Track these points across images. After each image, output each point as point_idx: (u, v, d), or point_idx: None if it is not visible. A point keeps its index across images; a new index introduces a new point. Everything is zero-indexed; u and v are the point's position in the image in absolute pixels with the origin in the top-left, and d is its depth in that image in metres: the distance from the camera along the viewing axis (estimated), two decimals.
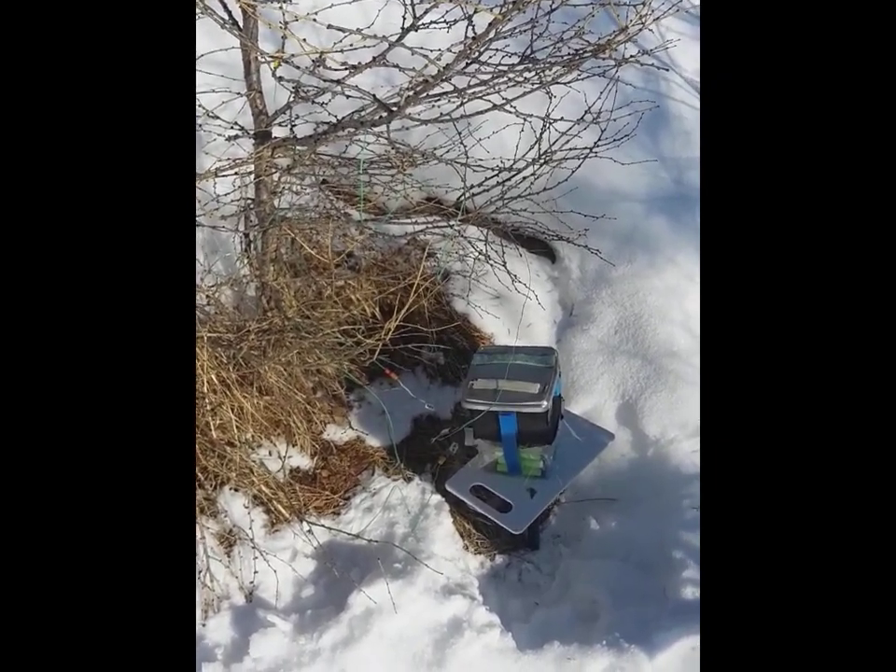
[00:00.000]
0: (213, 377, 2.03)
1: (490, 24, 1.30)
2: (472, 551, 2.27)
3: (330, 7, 1.56)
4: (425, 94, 1.46)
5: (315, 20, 1.16)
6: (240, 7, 1.66)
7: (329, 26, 1.31)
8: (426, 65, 1.38)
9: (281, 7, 1.25)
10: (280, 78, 1.58)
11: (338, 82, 1.41)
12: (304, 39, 1.11)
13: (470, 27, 1.66)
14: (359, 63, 1.37)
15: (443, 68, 1.36)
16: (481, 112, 1.71)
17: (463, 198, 2.07)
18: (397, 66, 1.44)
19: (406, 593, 1.94)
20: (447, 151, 2.17)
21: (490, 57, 1.74)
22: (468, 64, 1.64)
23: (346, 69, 1.31)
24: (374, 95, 1.44)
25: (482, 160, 2.14)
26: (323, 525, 2.14)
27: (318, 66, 1.26)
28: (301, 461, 2.35)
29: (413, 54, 1.36)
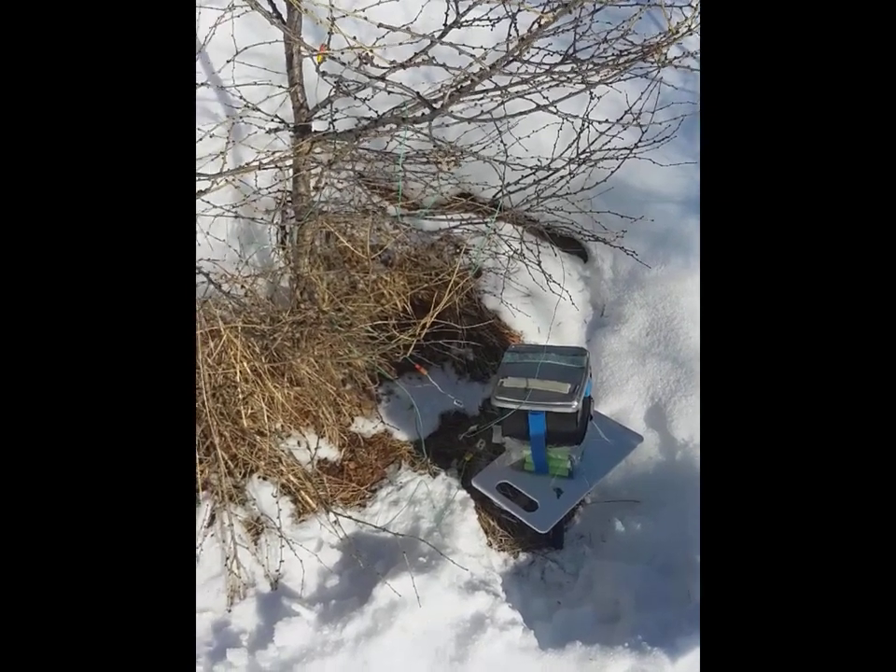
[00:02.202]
0: (245, 367, 2.05)
1: (540, 25, 1.29)
2: (496, 548, 2.28)
3: (377, 3, 1.56)
4: (468, 93, 1.45)
5: (365, 18, 1.17)
6: (286, 1, 1.68)
7: (381, 25, 1.31)
8: (470, 63, 1.38)
9: (331, 6, 1.25)
10: (323, 73, 1.59)
11: (381, 78, 1.42)
12: (354, 37, 1.11)
13: (513, 25, 1.66)
14: (404, 60, 1.37)
15: (489, 67, 1.36)
16: (523, 113, 1.71)
17: (500, 195, 2.06)
18: (443, 65, 1.44)
19: (430, 587, 1.95)
20: (483, 148, 2.17)
21: (532, 55, 1.73)
22: (509, 62, 1.64)
23: (392, 67, 1.31)
24: (417, 93, 1.44)
25: (519, 158, 2.14)
26: (349, 517, 2.16)
27: (365, 64, 1.27)
28: (329, 452, 2.37)
29: (459, 54, 1.36)
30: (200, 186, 1.62)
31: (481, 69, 1.43)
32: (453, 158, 1.71)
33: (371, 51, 1.20)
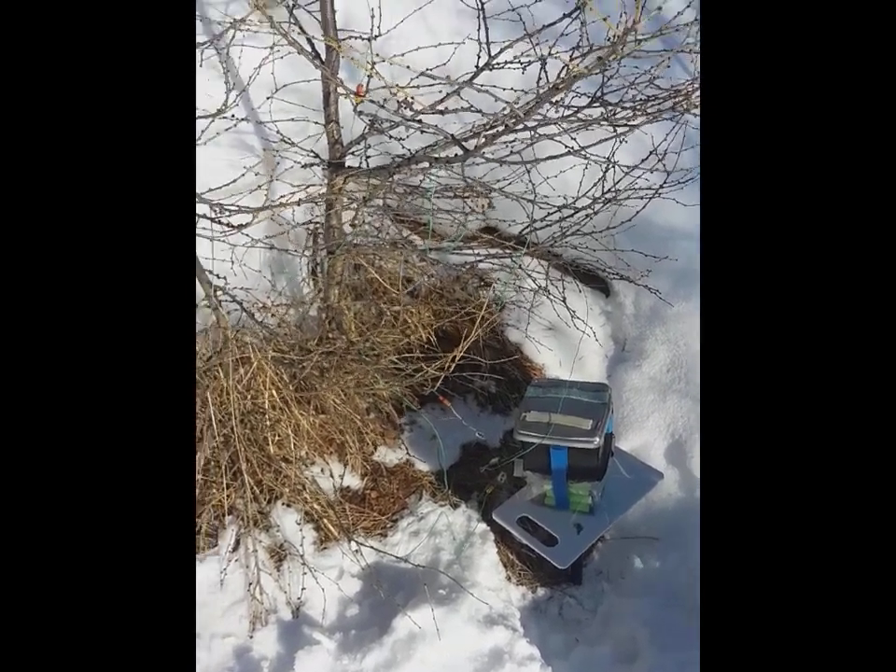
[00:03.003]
0: (274, 394, 2.09)
1: (574, 77, 1.34)
2: (514, 581, 2.28)
3: (416, 49, 1.61)
4: (502, 136, 1.50)
5: (408, 67, 1.21)
6: (325, 43, 1.74)
7: (424, 73, 1.36)
8: (503, 108, 1.43)
9: (371, 52, 1.31)
10: (360, 113, 1.65)
11: (417, 121, 1.46)
12: (397, 85, 1.16)
13: (543, 69, 1.71)
14: (437, 101, 1.41)
15: (523, 114, 1.40)
16: (553, 157, 1.75)
17: (527, 232, 2.10)
18: (479, 111, 1.48)
19: (450, 620, 1.96)
20: (509, 184, 2.22)
21: (560, 97, 1.77)
22: (537, 104, 1.68)
23: (432, 111, 1.35)
24: (452, 135, 1.49)
25: (546, 196, 2.18)
26: (371, 547, 2.18)
27: (405, 108, 1.31)
28: (352, 481, 2.39)
29: (495, 101, 1.40)
30: (241, 219, 1.67)
31: (513, 112, 1.47)
32: (487, 199, 1.74)
33: (413, 98, 1.25)
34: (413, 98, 1.27)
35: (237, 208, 1.64)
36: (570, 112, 1.70)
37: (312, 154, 1.96)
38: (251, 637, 2.00)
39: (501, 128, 1.49)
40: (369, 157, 1.88)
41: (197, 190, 1.61)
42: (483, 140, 1.48)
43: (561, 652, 2.11)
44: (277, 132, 1.99)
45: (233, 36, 1.49)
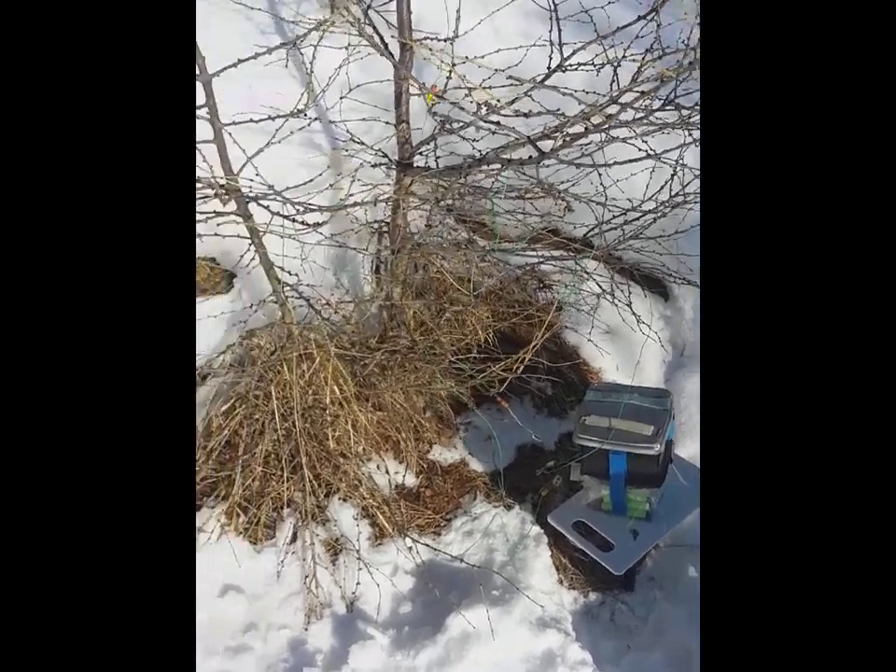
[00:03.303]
0: (335, 389, 2.11)
1: (662, 80, 1.32)
2: (567, 585, 2.27)
3: (496, 51, 1.61)
4: (580, 138, 1.49)
5: (492, 70, 1.21)
6: (398, 42, 1.75)
7: (510, 77, 1.36)
8: (581, 110, 1.42)
9: (453, 57, 1.31)
10: (434, 113, 1.65)
11: (497, 123, 1.46)
12: (486, 86, 1.16)
13: (616, 73, 1.70)
14: (529, 111, 1.41)
15: (606, 118, 1.39)
16: (632, 160, 1.73)
17: (593, 234, 2.09)
18: (561, 114, 1.47)
19: (503, 621, 1.96)
20: (573, 184, 2.20)
21: (635, 100, 1.76)
22: (622, 108, 1.66)
23: (515, 114, 1.35)
24: (528, 137, 1.48)
25: (614, 199, 2.16)
26: (426, 545, 2.18)
27: (488, 112, 1.31)
28: (407, 478, 2.40)
29: (577, 102, 1.39)
30: (317, 218, 1.69)
31: (593, 113, 1.46)
32: (565, 202, 1.74)
33: (497, 100, 1.25)
34: (497, 101, 1.27)
35: (316, 207, 1.66)
36: (642, 114, 1.68)
37: (380, 154, 1.97)
38: (306, 630, 2.03)
39: (581, 129, 1.47)
40: (438, 157, 1.88)
41: (273, 187, 1.63)
42: (561, 142, 1.47)
43: (612, 659, 2.10)
44: (347, 131, 2.00)
45: (320, 38, 1.50)
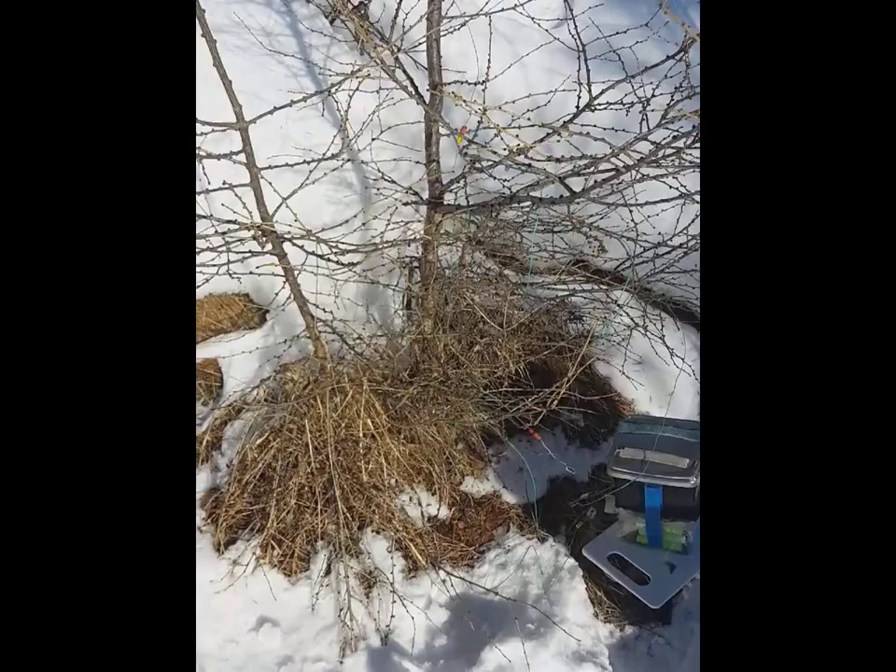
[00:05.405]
0: (368, 422, 2.13)
1: (693, 127, 1.34)
2: (602, 619, 2.25)
3: (528, 96, 1.65)
4: (610, 180, 1.51)
5: (528, 119, 1.24)
6: (427, 88, 1.79)
7: (542, 125, 1.39)
8: (612, 150, 1.44)
9: (484, 102, 1.34)
10: (465, 154, 1.69)
11: (528, 165, 1.49)
12: (517, 134, 1.19)
13: (644, 113, 1.72)
14: (561, 156, 1.44)
15: (639, 160, 1.41)
16: (665, 200, 1.75)
17: (625, 268, 2.10)
18: (593, 156, 1.50)
19: (539, 654, 1.95)
20: (601, 218, 2.22)
21: (664, 139, 1.78)
22: (657, 148, 1.67)
23: (546, 159, 1.38)
24: (559, 177, 1.51)
25: (645, 233, 2.18)
26: (460, 577, 2.19)
27: (518, 155, 1.34)
28: (440, 510, 2.41)
29: (609, 146, 1.41)
30: (351, 258, 1.73)
31: (622, 152, 1.48)
32: (598, 242, 1.76)
33: (529, 145, 1.28)
34: (529, 145, 1.30)
35: (351, 247, 1.70)
36: (673, 151, 1.70)
37: (411, 192, 2.02)
38: (341, 663, 2.04)
39: (610, 170, 1.50)
40: (469, 195, 1.92)
41: (311, 231, 1.67)
42: (594, 183, 1.50)
43: None
44: (378, 170, 2.05)
45: (357, 86, 1.55)
